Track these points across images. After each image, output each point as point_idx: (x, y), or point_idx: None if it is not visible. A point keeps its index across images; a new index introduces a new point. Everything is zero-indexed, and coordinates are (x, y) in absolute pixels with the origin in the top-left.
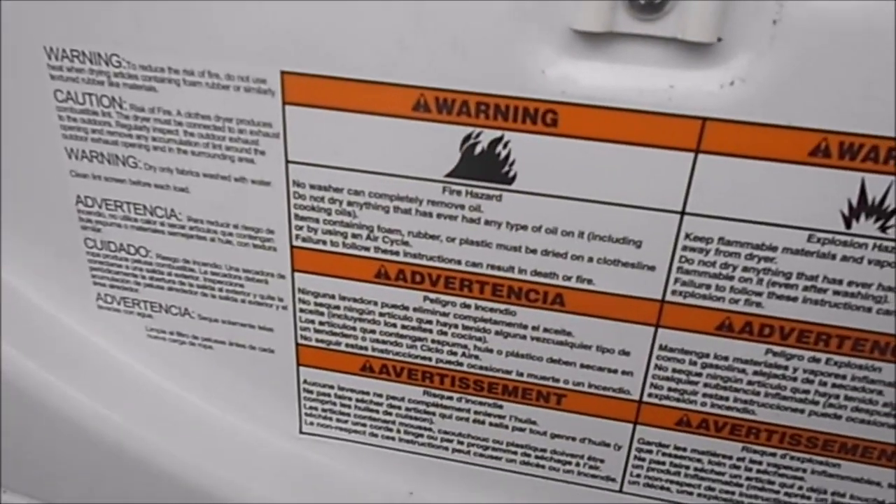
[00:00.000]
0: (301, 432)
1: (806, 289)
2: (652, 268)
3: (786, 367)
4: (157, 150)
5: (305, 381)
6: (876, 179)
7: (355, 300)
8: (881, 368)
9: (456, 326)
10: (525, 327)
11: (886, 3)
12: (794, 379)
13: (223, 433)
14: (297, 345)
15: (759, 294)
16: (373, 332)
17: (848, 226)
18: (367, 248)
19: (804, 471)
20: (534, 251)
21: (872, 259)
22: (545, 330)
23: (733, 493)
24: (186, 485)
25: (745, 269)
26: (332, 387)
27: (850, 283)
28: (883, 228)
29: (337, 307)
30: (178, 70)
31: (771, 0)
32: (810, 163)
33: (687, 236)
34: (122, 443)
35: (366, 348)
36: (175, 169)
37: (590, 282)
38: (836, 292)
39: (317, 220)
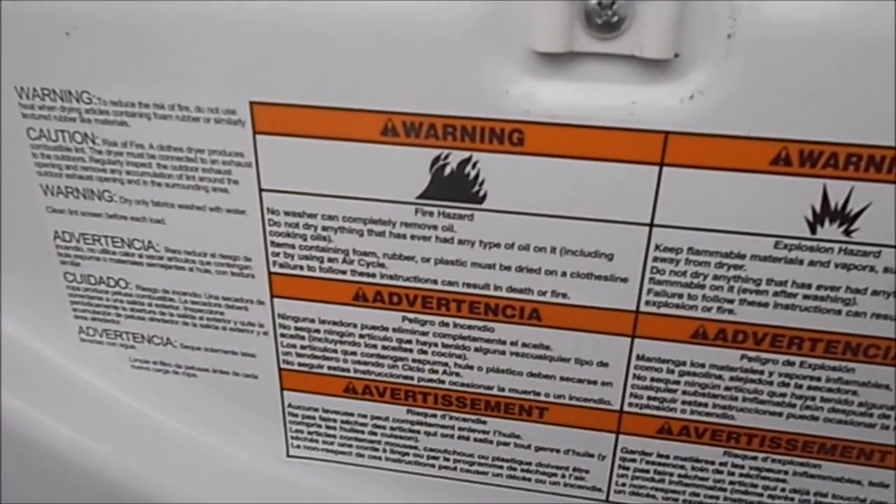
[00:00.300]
0: (288, 455)
1: (776, 294)
2: (625, 279)
3: (761, 372)
4: (131, 184)
5: (290, 405)
6: (837, 185)
7: (335, 323)
8: (854, 369)
9: (436, 345)
10: (504, 343)
11: (838, 13)
12: (771, 383)
13: (211, 459)
14: (280, 369)
15: (731, 301)
16: (354, 353)
17: (813, 231)
18: (343, 272)
19: (786, 473)
20: (508, 268)
21: (839, 263)
22: (524, 345)
23: (717, 497)
24: None
25: (716, 277)
26: (316, 409)
27: (818, 287)
28: (847, 233)
29: (317, 331)
30: (148, 104)
31: (725, 15)
32: (772, 171)
33: (657, 247)
34: (111, 475)
35: (348, 370)
36: (150, 201)
37: (565, 296)
38: (805, 296)
39: (293, 246)
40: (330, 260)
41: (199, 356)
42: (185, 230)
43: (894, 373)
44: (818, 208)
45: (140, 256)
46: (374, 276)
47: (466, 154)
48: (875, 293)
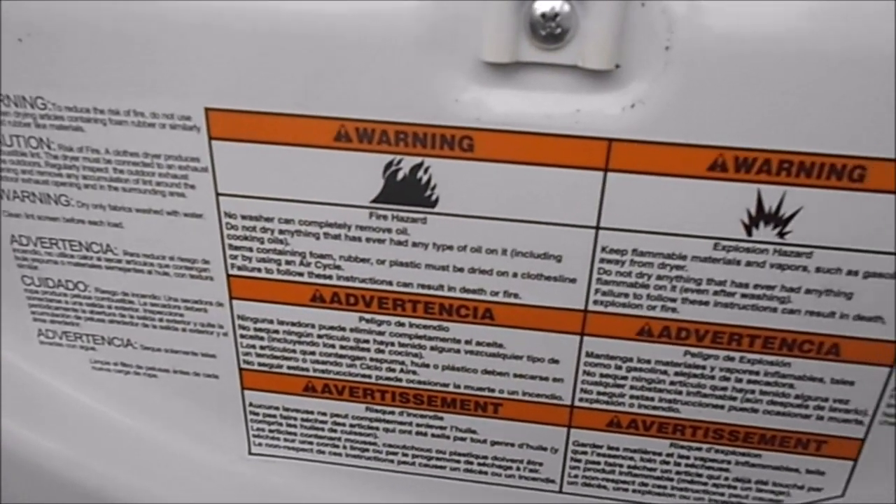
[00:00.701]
0: (250, 453)
1: (716, 293)
2: (573, 280)
3: (704, 367)
4: (88, 188)
5: (251, 404)
6: (770, 190)
7: (293, 324)
8: (790, 363)
9: (392, 344)
10: (458, 342)
11: (770, 28)
12: (713, 377)
13: (174, 459)
14: (241, 369)
15: (674, 300)
16: (312, 353)
17: (749, 233)
18: (301, 274)
19: (729, 462)
20: (461, 269)
21: (774, 263)
22: (477, 343)
23: (665, 487)
24: None
25: (659, 277)
26: (277, 408)
27: (755, 287)
28: (781, 234)
29: (276, 331)
30: (103, 110)
31: (663, 28)
32: (710, 177)
33: (603, 249)
34: (73, 476)
35: (307, 369)
36: (108, 205)
37: (516, 296)
38: (743, 295)
39: (250, 249)
40: (287, 262)
41: (159, 357)
42: (143, 234)
43: (827, 367)
44: (753, 212)
45: (98, 259)
46: (330, 277)
47: (418, 159)
48: (808, 291)
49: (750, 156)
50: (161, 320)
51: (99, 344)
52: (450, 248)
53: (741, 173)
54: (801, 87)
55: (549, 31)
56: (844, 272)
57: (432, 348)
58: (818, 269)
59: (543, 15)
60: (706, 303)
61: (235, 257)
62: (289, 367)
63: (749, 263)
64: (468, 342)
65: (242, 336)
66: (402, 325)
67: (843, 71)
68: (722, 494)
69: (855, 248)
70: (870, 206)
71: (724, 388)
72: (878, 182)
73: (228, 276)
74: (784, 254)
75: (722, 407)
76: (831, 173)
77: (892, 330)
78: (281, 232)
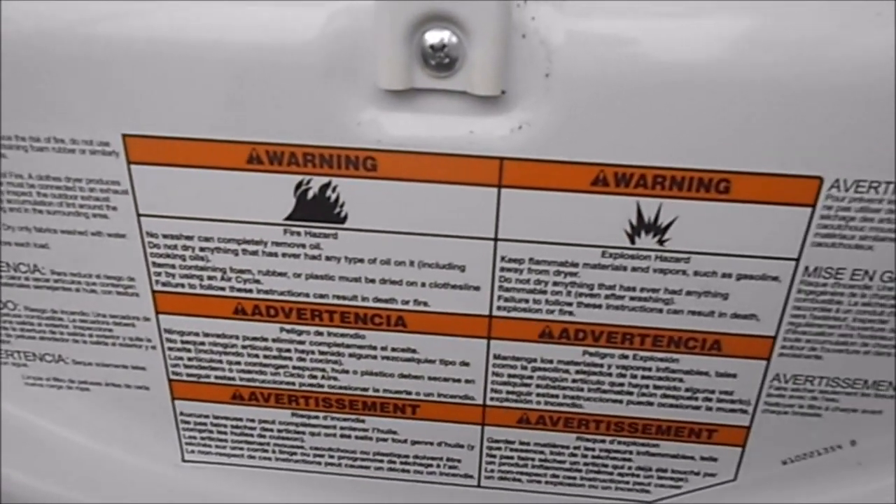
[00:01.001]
0: (183, 460)
1: (607, 297)
2: (477, 288)
3: (601, 365)
4: (13, 212)
5: (182, 413)
6: (648, 202)
7: (218, 336)
8: (678, 359)
9: (313, 352)
10: (374, 348)
11: (641, 54)
12: (610, 374)
13: (110, 468)
14: (170, 380)
15: (570, 304)
16: (238, 363)
17: (632, 242)
18: (222, 288)
19: (631, 453)
20: (373, 280)
21: (656, 268)
22: (392, 349)
23: (574, 477)
24: None
25: (556, 283)
26: (207, 416)
27: (641, 290)
28: (661, 242)
29: (202, 343)
30: (24, 137)
31: (542, 57)
32: (593, 191)
33: (502, 259)
34: (9, 490)
35: (234, 378)
36: (33, 227)
37: (426, 304)
38: (631, 298)
39: (173, 266)
40: (209, 278)
41: (90, 371)
42: (69, 254)
43: (711, 361)
44: (634, 222)
45: (27, 279)
46: (251, 291)
47: (326, 179)
48: (688, 293)
49: (628, 171)
50: (91, 336)
51: (30, 360)
52: (361, 260)
53: (621, 187)
54: (670, 109)
55: (439, 60)
56: (720, 275)
57: (350, 355)
58: (696, 273)
59: (433, 46)
60: (599, 306)
61: (159, 274)
62: (216, 377)
63: (634, 269)
64: (384, 348)
65: (170, 349)
66: (320, 334)
67: (706, 93)
68: (627, 482)
69: (727, 253)
70: (736, 214)
71: (622, 384)
72: (742, 193)
73: (154, 292)
74: (664, 259)
75: (621, 401)
76: (700, 186)
77: (766, 326)
78: (202, 249)
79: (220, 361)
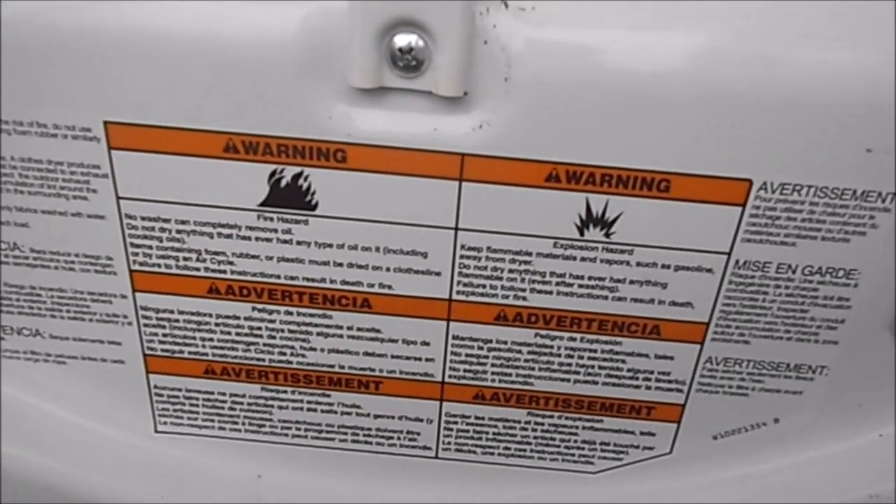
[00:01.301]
0: (156, 431)
1: (557, 284)
2: (438, 273)
3: (552, 346)
4: None
5: (156, 387)
6: (597, 198)
7: (192, 314)
8: (621, 342)
9: (283, 331)
10: (341, 328)
11: (592, 62)
12: (559, 355)
13: (85, 439)
14: (145, 355)
15: (524, 290)
16: (211, 340)
17: (581, 234)
18: (198, 269)
19: (577, 427)
20: (341, 264)
21: (603, 259)
22: (358, 329)
23: (525, 450)
24: (55, 489)
25: (511, 270)
26: (180, 389)
27: (589, 278)
28: (607, 235)
29: (177, 320)
30: (8, 121)
31: (502, 63)
32: (547, 187)
33: (462, 247)
34: None
35: (206, 354)
36: (14, 207)
37: (390, 287)
38: (580, 286)
39: (150, 247)
40: (185, 259)
41: (67, 345)
42: (49, 233)
43: (651, 344)
44: (584, 216)
45: (7, 256)
46: (224, 272)
47: (299, 169)
48: (631, 282)
49: (578, 170)
50: (68, 311)
51: (8, 334)
52: (330, 246)
53: (572, 184)
54: (618, 114)
55: (407, 62)
56: (659, 266)
57: (318, 334)
58: (638, 264)
59: (401, 49)
60: (550, 292)
61: (137, 254)
62: (189, 353)
63: (583, 259)
64: (349, 328)
65: (146, 325)
66: (290, 313)
67: (651, 101)
68: (573, 455)
69: (666, 246)
70: (675, 211)
71: (570, 364)
72: (681, 192)
73: (131, 271)
74: (610, 251)
75: (568, 380)
76: (643, 185)
77: (700, 313)
78: (178, 232)
79: (194, 338)
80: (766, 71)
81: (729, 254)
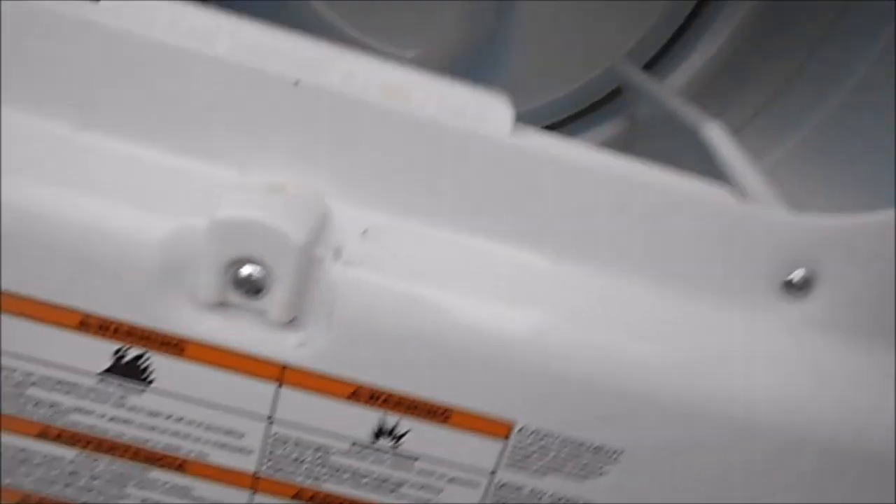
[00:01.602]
0: None
1: (352, 477)
2: (251, 451)
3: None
4: None
5: None
6: (391, 417)
7: (19, 450)
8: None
9: (104, 475)
10: (156, 482)
11: (404, 315)
12: None
13: None
14: None
15: (320, 478)
16: (31, 474)
17: (375, 441)
18: (31, 414)
19: None
20: (165, 432)
21: (389, 462)
22: (171, 486)
23: None
24: None
25: (311, 460)
26: None
27: (376, 477)
28: (395, 446)
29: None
30: None
31: (328, 302)
32: (351, 400)
33: (273, 434)
34: None
35: (23, 485)
36: None
37: (206, 455)
38: (365, 482)
39: None
40: (21, 399)
41: None
42: None
43: None
44: (377, 428)
45: None
46: (56, 422)
47: (141, 351)
48: (411, 486)
49: (378, 392)
50: None
51: None
52: (158, 415)
53: (371, 402)
54: (418, 355)
55: (248, 287)
56: (436, 476)
57: (134, 484)
58: (419, 472)
59: (243, 277)
60: (343, 482)
61: None
62: (6, 485)
63: (374, 461)
64: (164, 484)
65: None
66: (113, 463)
67: (445, 349)
68: None
69: (443, 460)
70: (453, 436)
71: None
72: (459, 422)
73: None
74: (397, 457)
75: None
76: (429, 413)
77: None
78: (19, 384)
79: (17, 471)
80: (546, 342)
81: (493, 473)
